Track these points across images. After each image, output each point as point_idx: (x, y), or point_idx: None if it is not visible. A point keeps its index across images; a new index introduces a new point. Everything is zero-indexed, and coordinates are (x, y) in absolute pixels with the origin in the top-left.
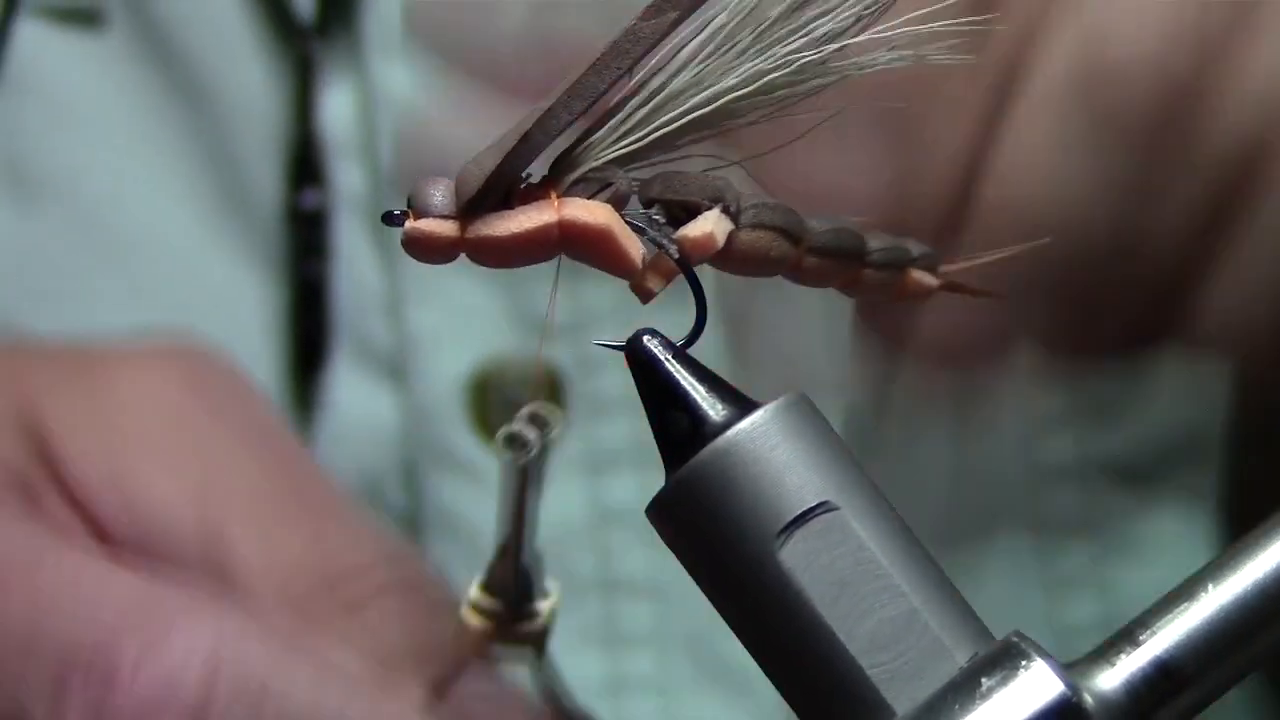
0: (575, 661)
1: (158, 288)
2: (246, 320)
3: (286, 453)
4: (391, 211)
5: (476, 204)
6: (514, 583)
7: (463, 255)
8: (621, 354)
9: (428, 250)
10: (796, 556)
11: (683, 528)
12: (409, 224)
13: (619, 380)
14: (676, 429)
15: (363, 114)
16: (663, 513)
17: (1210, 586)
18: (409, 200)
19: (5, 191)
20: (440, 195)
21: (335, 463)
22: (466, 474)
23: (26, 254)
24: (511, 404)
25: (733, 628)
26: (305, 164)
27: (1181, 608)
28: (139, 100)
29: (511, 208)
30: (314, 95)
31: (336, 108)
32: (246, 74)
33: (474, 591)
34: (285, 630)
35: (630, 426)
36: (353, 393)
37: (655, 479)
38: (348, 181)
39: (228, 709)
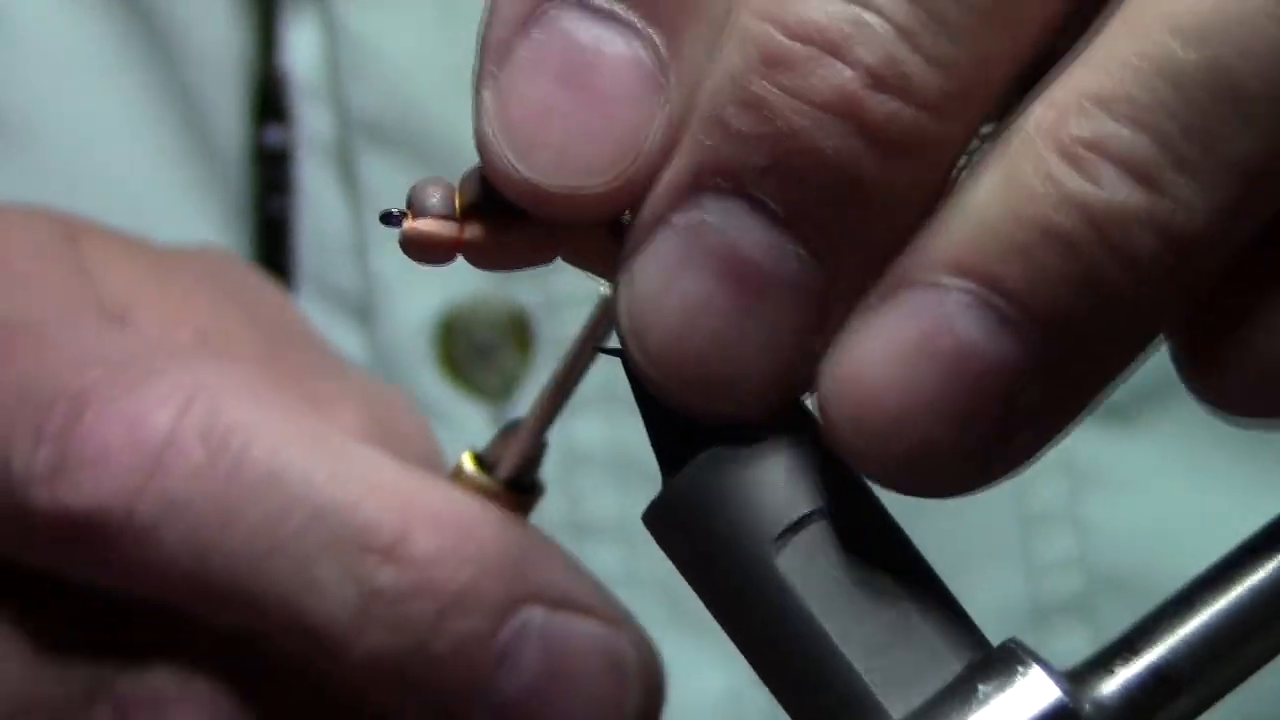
0: None
1: (121, 226)
2: None
3: (301, 340)
4: (390, 211)
5: (476, 207)
6: (530, 453)
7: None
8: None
9: (425, 249)
10: (793, 562)
11: (679, 534)
12: (407, 223)
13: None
14: (672, 434)
15: (329, 54)
16: (659, 519)
17: (1207, 593)
18: (408, 200)
19: None
20: (439, 196)
21: None
22: (435, 417)
23: None
24: (479, 347)
25: (729, 632)
26: (269, 101)
27: (1179, 615)
28: (99, 35)
29: (510, 210)
30: (278, 31)
31: (301, 46)
32: (210, 9)
33: (467, 463)
34: (265, 392)
35: (597, 368)
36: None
37: (625, 420)
38: (313, 122)
39: (187, 450)
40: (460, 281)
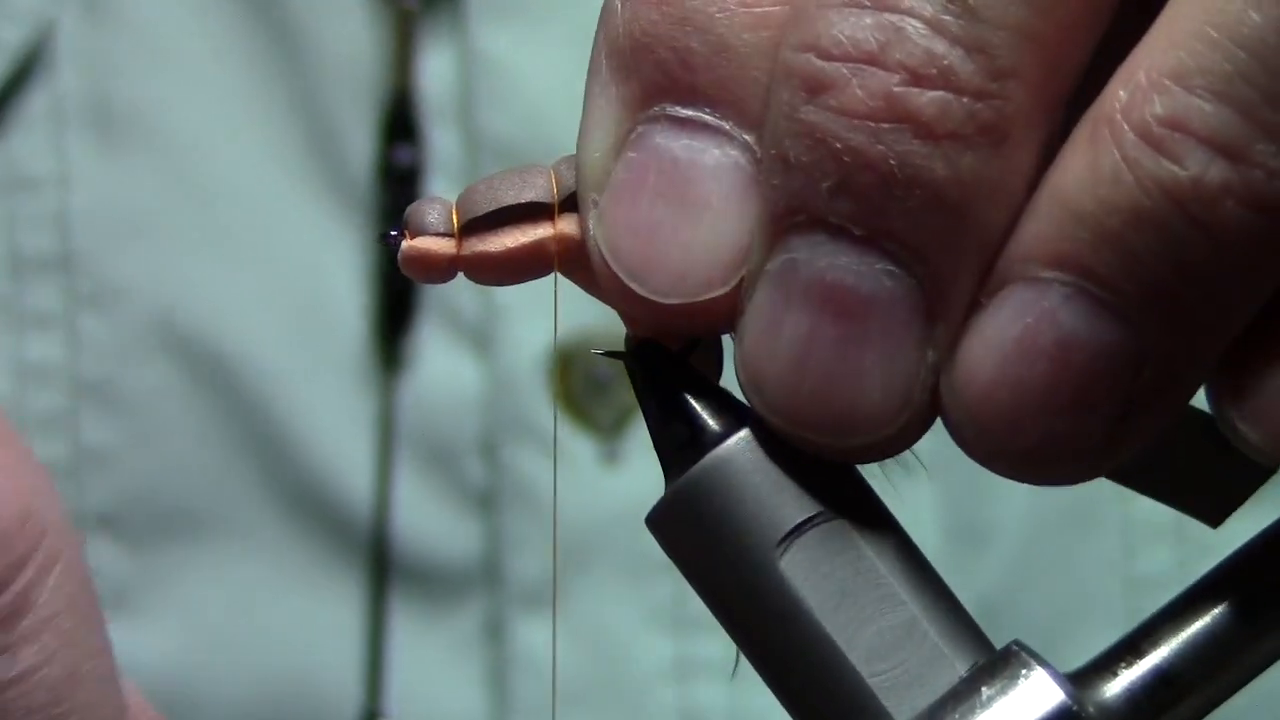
0: (644, 644)
1: (244, 236)
2: (335, 274)
3: None
4: (388, 232)
5: (476, 224)
6: None
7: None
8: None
9: (425, 268)
10: (796, 566)
11: (682, 537)
12: (406, 243)
13: None
14: (676, 438)
15: (461, 77)
16: (662, 522)
17: (1211, 595)
18: (405, 220)
19: (93, 130)
20: (436, 214)
21: (415, 429)
22: (546, 448)
23: (111, 195)
24: (596, 381)
25: (732, 636)
26: (400, 120)
27: (1182, 617)
28: (234, 44)
29: (507, 225)
30: (413, 52)
31: (435, 68)
32: (345, 25)
33: None
34: None
35: None
36: (436, 359)
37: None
38: (442, 144)
39: None
40: (580, 313)
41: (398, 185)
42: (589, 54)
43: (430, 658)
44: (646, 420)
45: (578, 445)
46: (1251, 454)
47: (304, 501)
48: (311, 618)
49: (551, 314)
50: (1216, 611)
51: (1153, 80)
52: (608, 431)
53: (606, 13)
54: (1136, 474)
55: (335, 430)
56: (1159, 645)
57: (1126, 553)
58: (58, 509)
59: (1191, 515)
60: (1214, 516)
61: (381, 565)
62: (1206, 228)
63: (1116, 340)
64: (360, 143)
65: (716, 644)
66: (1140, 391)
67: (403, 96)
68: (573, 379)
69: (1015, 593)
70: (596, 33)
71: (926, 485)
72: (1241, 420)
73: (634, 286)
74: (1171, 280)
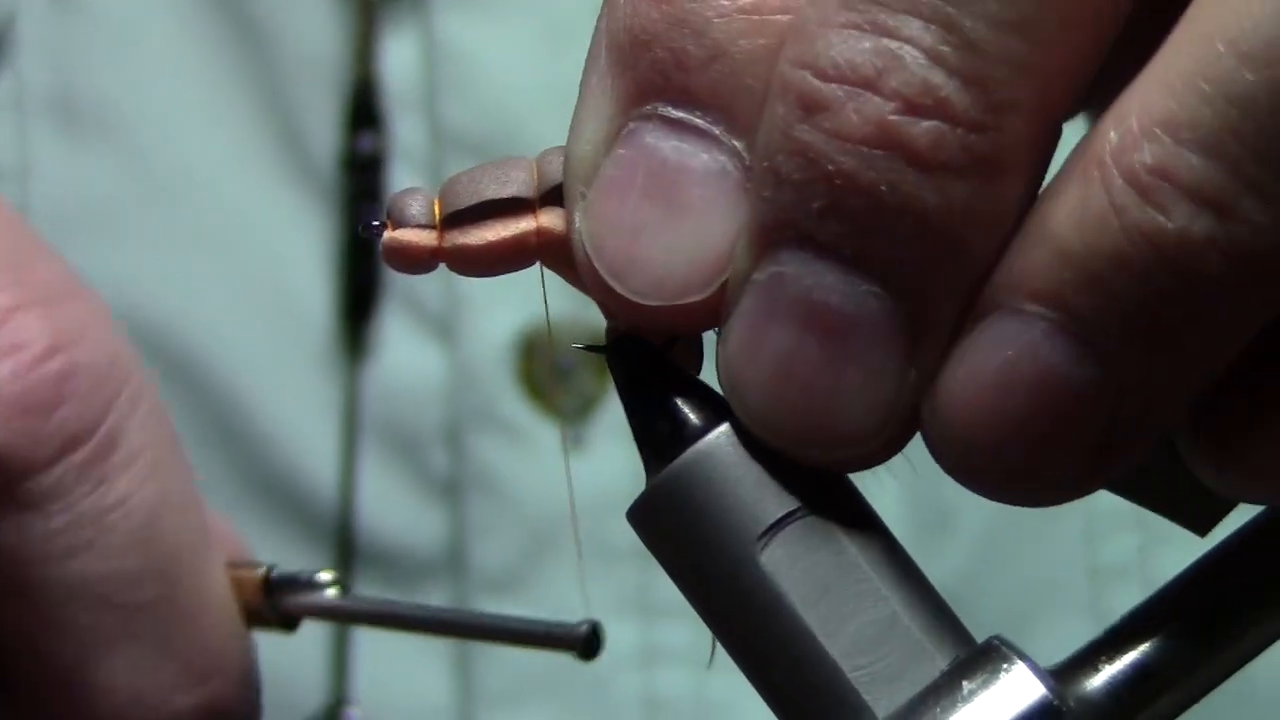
0: (608, 630)
1: (207, 225)
2: (298, 262)
3: None
4: (369, 222)
5: (459, 217)
6: None
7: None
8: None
9: (406, 259)
10: (777, 560)
11: (663, 532)
12: (387, 234)
13: None
14: (657, 433)
15: (425, 65)
16: (643, 517)
17: (1192, 589)
18: (387, 211)
19: (57, 122)
20: (417, 206)
21: (379, 417)
22: (511, 436)
23: (74, 185)
24: (559, 368)
25: (714, 631)
26: (364, 109)
27: (1163, 611)
28: (197, 33)
29: (489, 218)
30: (376, 40)
31: (398, 56)
32: (308, 13)
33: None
34: None
35: None
36: (400, 347)
37: None
38: (406, 133)
39: None
40: (542, 302)
41: (361, 173)
42: (551, 44)
43: (396, 646)
44: (627, 415)
45: (541, 432)
46: (1212, 487)
47: (269, 488)
48: None
49: (516, 302)
50: (1197, 606)
51: (1144, 127)
52: (572, 418)
53: (608, 5)
54: (1122, 483)
55: (300, 417)
56: (1140, 640)
57: (1089, 539)
58: (136, 354)
59: (1179, 523)
60: (1201, 525)
61: (346, 552)
62: (1189, 278)
63: (1095, 378)
64: (324, 131)
65: (681, 631)
66: (1117, 427)
67: (366, 85)
68: (536, 366)
69: (979, 580)
70: (598, 22)
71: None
72: (1204, 463)
73: (614, 285)
74: (1152, 325)
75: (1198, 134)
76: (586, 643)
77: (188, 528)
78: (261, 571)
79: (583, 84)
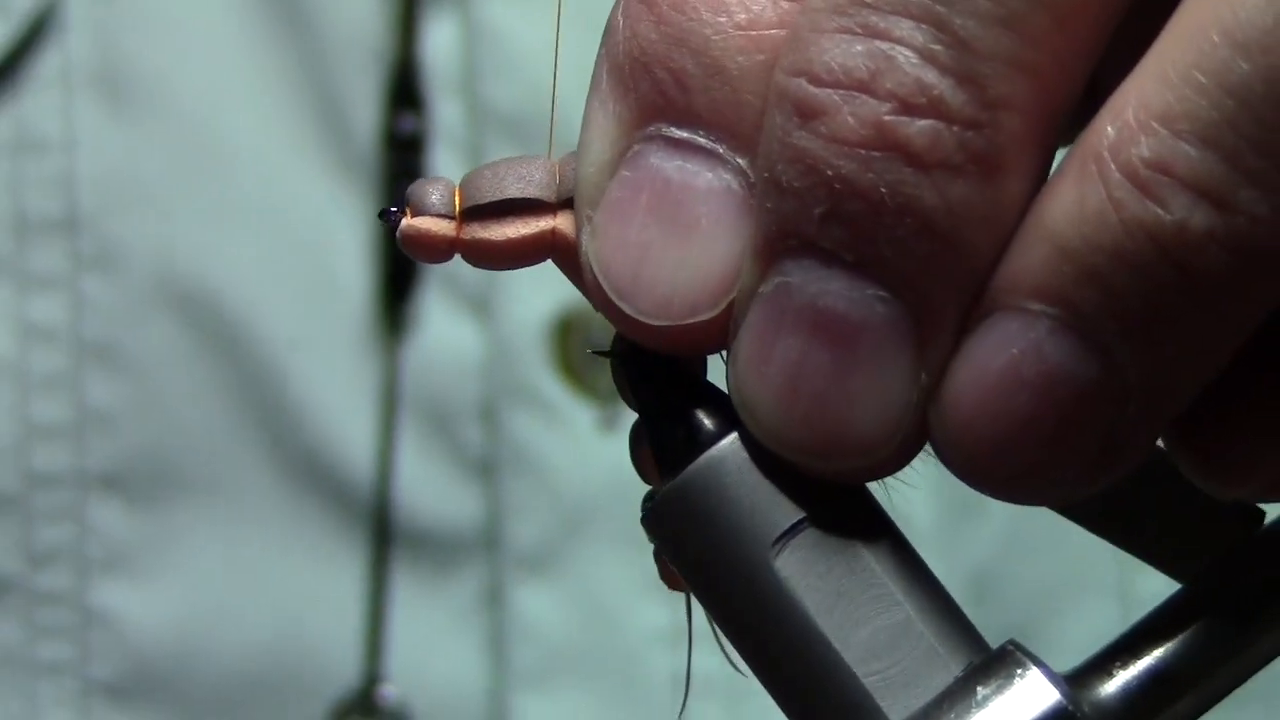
0: (639, 610)
1: (249, 201)
2: (338, 240)
3: None
4: (388, 209)
5: (479, 211)
6: None
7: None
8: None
9: (423, 248)
10: (792, 565)
11: (677, 537)
12: (405, 221)
13: None
14: (670, 437)
15: (465, 47)
16: (657, 522)
17: (1206, 594)
18: (406, 198)
19: (103, 96)
20: (438, 195)
21: (417, 395)
22: (546, 415)
23: (118, 158)
24: (595, 348)
25: (728, 635)
26: (405, 89)
27: (1177, 617)
28: (241, 11)
29: (509, 215)
30: (417, 22)
31: (439, 38)
32: None
33: None
34: None
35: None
36: (438, 325)
37: None
38: (445, 114)
39: None
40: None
41: (402, 153)
42: (590, 26)
43: (430, 623)
44: (642, 417)
45: (576, 411)
46: (1200, 485)
47: (306, 466)
48: (313, 582)
49: (554, 283)
50: (1211, 611)
51: (1141, 121)
52: (606, 398)
53: (609, 28)
54: (1106, 523)
55: (338, 395)
56: (1154, 645)
57: None
58: None
59: (1157, 567)
60: (1178, 570)
61: (383, 531)
62: (1189, 271)
63: (1099, 375)
64: (365, 111)
65: None
66: (1121, 423)
67: (407, 66)
68: (572, 346)
69: (1008, 564)
70: (600, 46)
71: (919, 459)
72: (1192, 461)
73: (622, 306)
74: (1153, 320)
75: (1194, 126)
76: None
77: None
78: None
79: (587, 106)
